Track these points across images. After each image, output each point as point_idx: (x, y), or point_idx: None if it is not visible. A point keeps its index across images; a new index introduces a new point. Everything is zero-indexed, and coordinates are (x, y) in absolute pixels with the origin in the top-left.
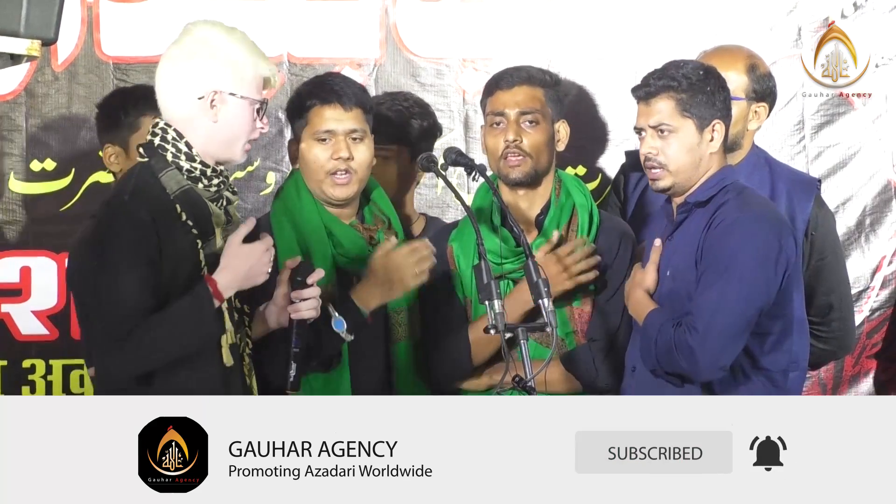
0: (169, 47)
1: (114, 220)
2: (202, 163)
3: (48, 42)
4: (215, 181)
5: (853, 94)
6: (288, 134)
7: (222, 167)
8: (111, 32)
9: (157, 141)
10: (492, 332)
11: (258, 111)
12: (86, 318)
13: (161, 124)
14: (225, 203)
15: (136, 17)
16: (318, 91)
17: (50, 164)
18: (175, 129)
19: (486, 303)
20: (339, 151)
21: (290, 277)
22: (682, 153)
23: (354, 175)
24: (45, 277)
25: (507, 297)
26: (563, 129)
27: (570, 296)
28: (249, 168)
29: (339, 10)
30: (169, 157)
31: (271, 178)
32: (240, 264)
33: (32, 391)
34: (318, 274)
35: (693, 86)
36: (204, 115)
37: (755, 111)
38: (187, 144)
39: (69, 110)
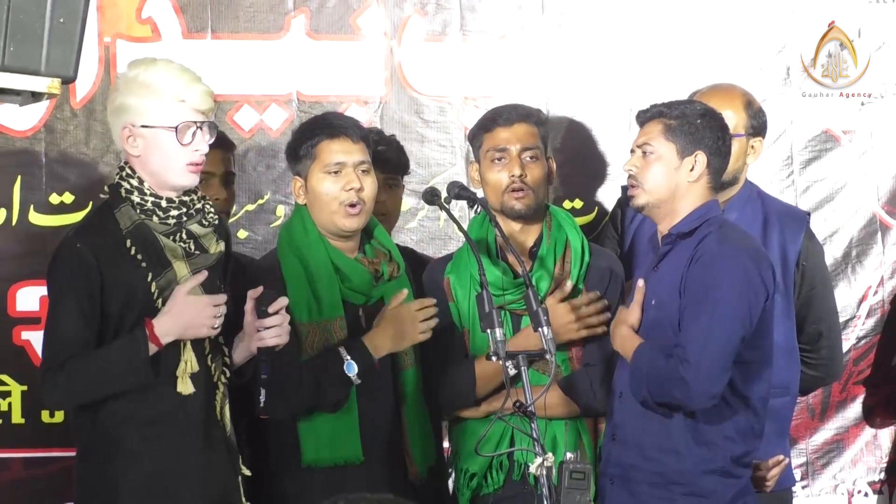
0: None
1: (58, 254)
2: (154, 195)
3: (68, 80)
4: (173, 213)
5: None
6: None
7: (192, 197)
8: None
9: (116, 179)
10: (493, 359)
11: (192, 133)
12: None
13: (122, 163)
14: (185, 235)
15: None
16: (321, 128)
17: (68, 198)
18: (130, 166)
19: (489, 331)
20: (352, 182)
21: (256, 307)
22: (659, 174)
23: (364, 206)
24: None
25: (511, 339)
26: (552, 164)
27: None
28: (260, 201)
29: (346, 50)
30: (123, 192)
31: (281, 210)
32: (180, 313)
33: (52, 416)
34: (281, 302)
35: (684, 115)
36: (130, 149)
37: (752, 146)
38: (139, 180)
39: (87, 146)
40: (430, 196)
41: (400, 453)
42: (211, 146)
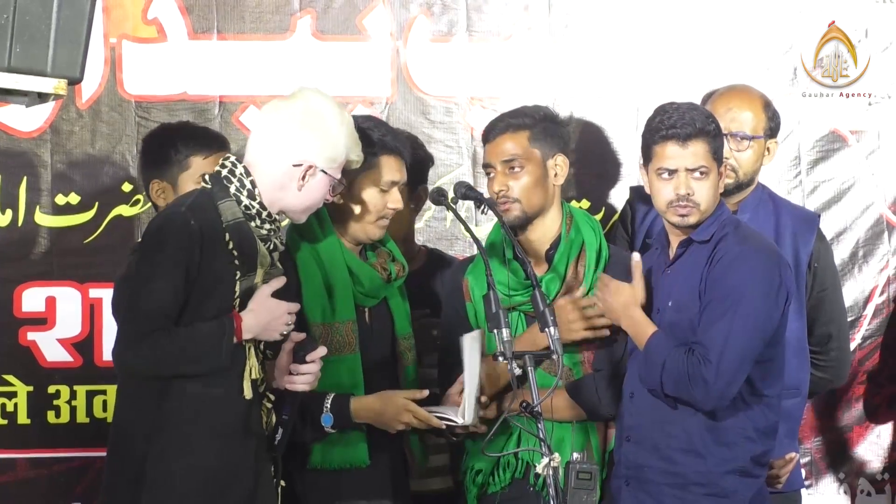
0: (280, 104)
1: (170, 224)
2: (261, 204)
3: (74, 81)
4: (267, 226)
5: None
6: None
7: (278, 216)
8: (133, 72)
9: (224, 172)
10: (500, 359)
11: (333, 187)
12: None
13: (232, 159)
14: (272, 247)
15: (157, 58)
16: (381, 143)
17: (74, 199)
18: (244, 167)
19: (495, 331)
20: (397, 203)
21: (293, 350)
22: (712, 193)
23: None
24: (70, 307)
25: (519, 337)
26: (560, 163)
27: None
28: None
29: (352, 51)
30: (232, 189)
31: None
32: (263, 314)
33: (57, 416)
34: (320, 352)
35: (717, 130)
36: (292, 181)
37: (768, 148)
38: (252, 183)
39: (93, 147)
40: (437, 196)
41: (402, 451)
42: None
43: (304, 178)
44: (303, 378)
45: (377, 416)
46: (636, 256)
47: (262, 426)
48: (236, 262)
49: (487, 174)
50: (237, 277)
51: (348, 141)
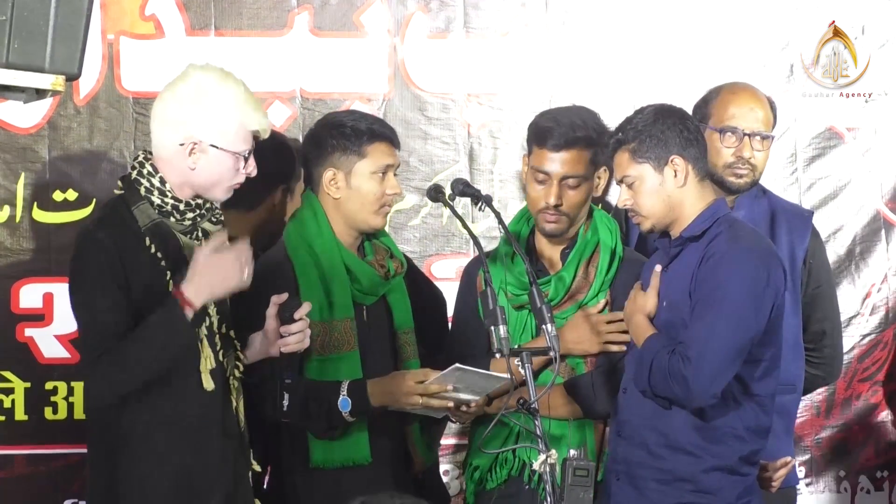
0: (165, 88)
1: (82, 247)
2: (174, 198)
3: (71, 77)
4: (189, 215)
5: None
6: None
7: (202, 200)
8: (131, 68)
9: (134, 174)
10: (497, 355)
11: (244, 159)
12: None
13: (140, 158)
14: (200, 234)
15: (155, 54)
16: (370, 130)
17: (72, 195)
18: (152, 164)
19: (492, 328)
20: (395, 187)
21: (279, 313)
22: (648, 197)
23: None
24: (67, 303)
25: (536, 339)
26: (603, 176)
27: None
28: None
29: (350, 47)
30: (142, 191)
31: None
32: (208, 273)
33: (55, 412)
34: (305, 308)
35: (640, 132)
36: (183, 160)
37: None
38: (161, 180)
39: (90, 143)
40: (435, 193)
41: (404, 448)
42: None
43: (190, 154)
44: (294, 337)
45: (389, 396)
46: (658, 268)
47: (236, 423)
48: (163, 263)
49: (538, 180)
50: (168, 278)
51: (241, 109)
